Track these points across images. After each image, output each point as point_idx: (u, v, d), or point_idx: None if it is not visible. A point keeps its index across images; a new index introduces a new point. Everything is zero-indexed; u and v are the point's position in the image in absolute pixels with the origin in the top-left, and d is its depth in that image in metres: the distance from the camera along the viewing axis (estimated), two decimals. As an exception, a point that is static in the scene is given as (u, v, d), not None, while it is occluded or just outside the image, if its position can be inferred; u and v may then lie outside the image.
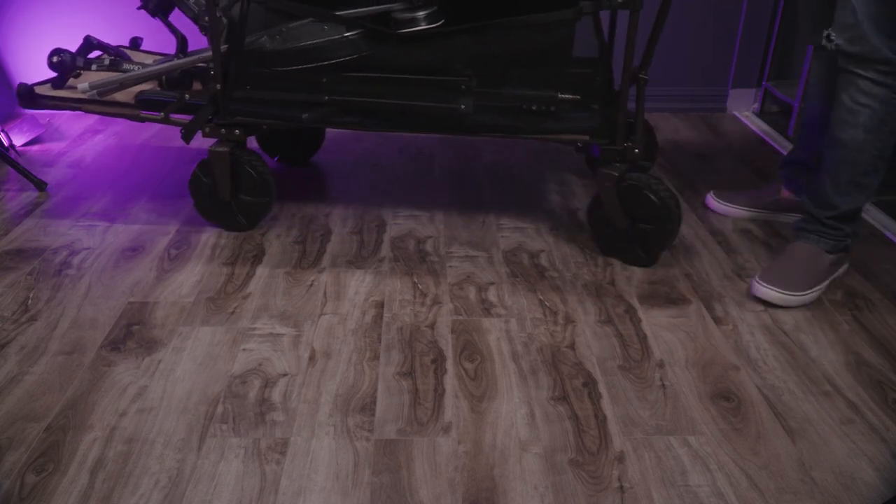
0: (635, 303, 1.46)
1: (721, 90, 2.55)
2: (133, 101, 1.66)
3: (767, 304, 1.44)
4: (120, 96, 1.67)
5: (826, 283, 1.47)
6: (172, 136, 2.31)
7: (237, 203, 1.68)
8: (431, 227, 1.75)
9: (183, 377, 1.25)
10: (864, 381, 1.25)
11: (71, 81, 1.74)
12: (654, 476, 1.06)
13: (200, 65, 1.67)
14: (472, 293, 1.49)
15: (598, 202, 1.57)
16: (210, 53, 1.56)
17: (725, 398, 1.21)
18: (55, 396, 1.20)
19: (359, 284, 1.52)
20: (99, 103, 1.66)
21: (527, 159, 2.16)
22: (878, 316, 1.43)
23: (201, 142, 2.21)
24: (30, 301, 1.46)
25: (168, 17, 1.70)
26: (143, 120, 1.67)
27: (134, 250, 1.64)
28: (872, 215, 1.81)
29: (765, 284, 1.43)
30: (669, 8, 1.48)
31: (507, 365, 1.28)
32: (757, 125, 2.45)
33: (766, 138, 2.33)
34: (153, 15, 1.68)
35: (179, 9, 1.65)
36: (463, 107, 1.49)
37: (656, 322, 1.40)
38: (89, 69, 1.74)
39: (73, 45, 2.21)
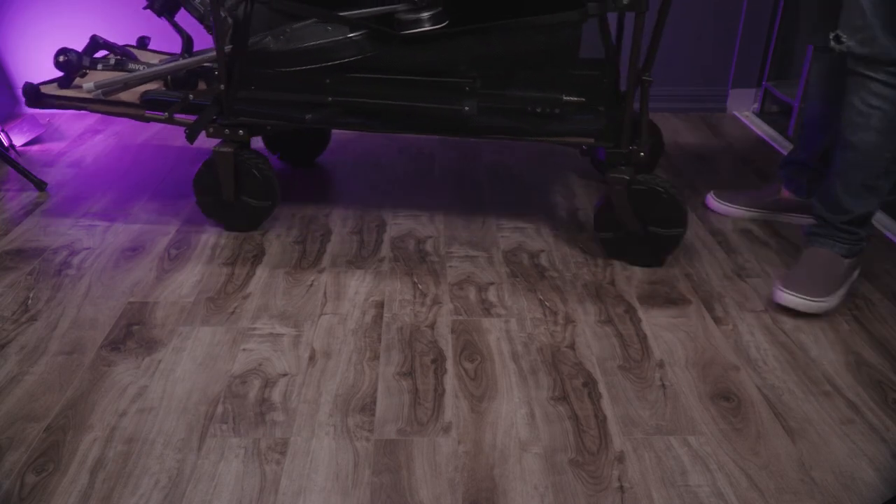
0: (635, 303, 1.46)
1: (721, 90, 2.55)
2: (138, 101, 1.66)
3: (791, 311, 1.41)
4: (125, 96, 1.67)
5: (846, 287, 1.45)
6: (172, 136, 2.31)
7: (240, 204, 1.67)
8: (431, 227, 1.75)
9: (183, 377, 1.25)
10: (864, 381, 1.25)
11: (77, 81, 1.74)
12: (654, 476, 1.06)
13: (206, 65, 1.67)
14: (472, 293, 1.49)
15: (607, 205, 1.55)
16: (215, 53, 1.56)
17: (725, 398, 1.21)
18: (55, 396, 1.20)
19: (359, 284, 1.52)
20: (104, 103, 1.66)
21: (527, 159, 2.16)
22: (878, 316, 1.43)
23: (203, 141, 2.21)
24: (30, 301, 1.46)
25: (174, 16, 1.70)
26: (147, 120, 1.67)
27: (134, 250, 1.64)
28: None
29: (788, 291, 1.40)
30: (669, 9, 1.48)
31: (507, 365, 1.28)
32: (757, 125, 2.45)
33: (766, 138, 2.33)
34: (159, 15, 1.68)
35: (185, 9, 1.65)
36: (467, 108, 1.48)
37: (656, 322, 1.40)
38: (95, 69, 1.74)
39: (72, 45, 2.21)
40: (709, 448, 1.11)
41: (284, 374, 1.26)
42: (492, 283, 1.52)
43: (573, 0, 1.40)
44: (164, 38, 2.28)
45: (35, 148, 2.19)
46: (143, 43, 1.92)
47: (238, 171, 1.63)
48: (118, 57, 1.77)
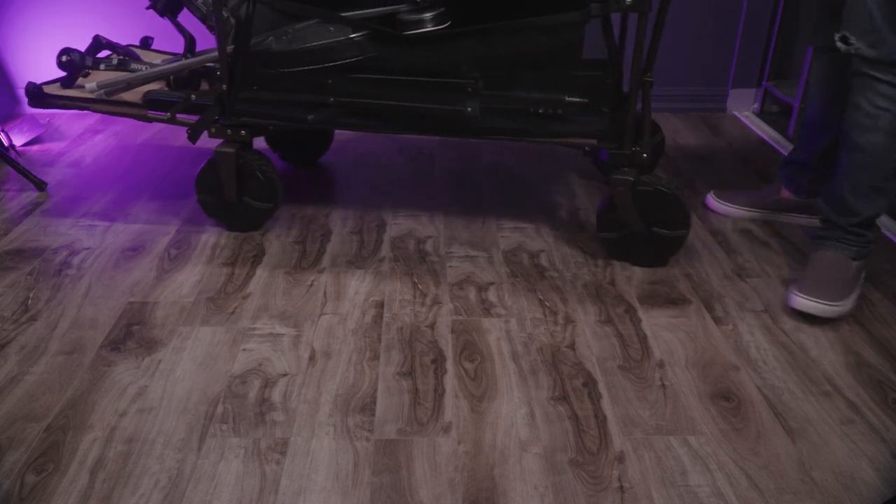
0: (635, 303, 1.46)
1: (721, 90, 2.55)
2: (140, 101, 1.66)
3: (808, 316, 1.40)
4: (127, 96, 1.67)
5: (858, 289, 1.44)
6: (172, 136, 2.31)
7: (242, 205, 1.67)
8: (431, 227, 1.75)
9: (183, 377, 1.25)
10: (864, 381, 1.25)
11: (79, 81, 1.74)
12: (654, 476, 1.06)
13: (209, 65, 1.67)
14: (472, 293, 1.49)
15: (611, 206, 1.54)
16: (217, 54, 1.56)
17: (725, 398, 1.21)
18: (55, 396, 1.20)
19: (359, 284, 1.52)
20: (107, 103, 1.66)
21: (527, 159, 2.16)
22: (878, 316, 1.43)
23: (204, 142, 2.21)
24: (30, 301, 1.46)
25: (177, 17, 1.70)
26: (150, 120, 1.67)
27: (134, 250, 1.64)
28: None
29: (804, 296, 1.39)
30: (668, 9, 1.48)
31: (507, 365, 1.28)
32: (757, 125, 2.45)
33: (766, 138, 2.33)
34: (161, 15, 1.68)
35: (188, 9, 1.65)
36: (469, 109, 1.48)
37: (656, 322, 1.40)
38: (98, 69, 1.74)
39: (72, 45, 2.21)
40: (709, 448, 1.11)
41: (284, 374, 1.26)
42: (492, 283, 1.52)
43: (576, 1, 1.40)
44: (167, 39, 2.28)
45: (35, 148, 2.19)
46: (146, 43, 1.92)
47: (240, 171, 1.63)
48: (121, 57, 1.77)
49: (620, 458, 1.09)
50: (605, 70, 1.62)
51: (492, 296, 1.48)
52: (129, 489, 1.03)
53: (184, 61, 1.66)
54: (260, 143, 2.12)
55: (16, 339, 1.35)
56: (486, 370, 1.27)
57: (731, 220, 1.79)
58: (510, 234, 1.72)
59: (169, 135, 2.32)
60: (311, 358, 1.30)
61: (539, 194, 1.93)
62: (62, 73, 2.33)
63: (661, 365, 1.29)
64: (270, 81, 1.55)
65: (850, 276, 1.42)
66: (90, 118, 2.44)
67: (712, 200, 1.84)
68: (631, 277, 1.55)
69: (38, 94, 1.68)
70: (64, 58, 1.67)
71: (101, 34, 1.78)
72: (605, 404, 1.19)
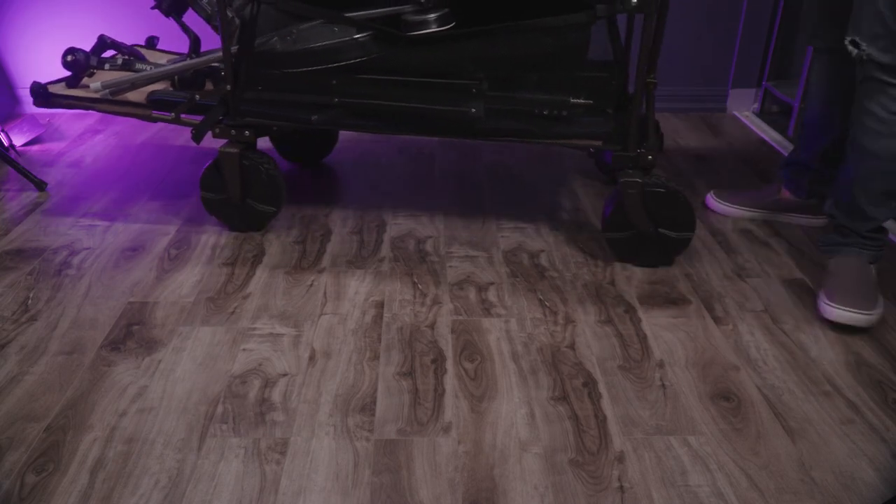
0: (635, 303, 1.46)
1: (721, 90, 2.55)
2: (145, 101, 1.66)
3: (845, 327, 1.38)
4: (132, 96, 1.68)
5: (880, 293, 1.42)
6: (172, 136, 2.31)
7: (245, 206, 1.67)
8: (431, 227, 1.75)
9: (183, 377, 1.25)
10: (864, 381, 1.25)
11: (84, 80, 1.74)
12: (654, 476, 1.06)
13: (213, 65, 1.67)
14: (472, 293, 1.49)
15: (619, 208, 1.53)
16: (222, 54, 1.56)
17: (725, 398, 1.21)
18: (55, 396, 1.20)
19: (359, 284, 1.52)
20: (111, 103, 1.67)
21: (527, 159, 2.16)
22: (878, 316, 1.43)
23: (205, 142, 2.21)
24: (30, 301, 1.46)
25: (182, 17, 1.70)
26: (154, 120, 1.67)
27: (134, 250, 1.64)
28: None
29: (839, 307, 1.36)
30: (667, 10, 1.48)
31: (507, 365, 1.28)
32: (757, 125, 2.45)
33: (766, 138, 2.34)
34: (167, 15, 1.68)
35: (193, 9, 1.65)
36: (473, 110, 1.47)
37: (656, 322, 1.40)
38: (103, 68, 1.75)
39: (72, 45, 2.21)
40: (709, 448, 1.11)
41: (284, 374, 1.26)
42: (492, 283, 1.52)
43: (581, 2, 1.39)
44: (172, 39, 2.29)
45: (35, 148, 2.19)
46: (151, 43, 1.92)
47: (244, 172, 1.63)
48: (126, 57, 1.77)
49: (620, 458, 1.09)
50: (610, 71, 1.62)
51: (492, 296, 1.48)
52: (129, 489, 1.03)
53: (188, 61, 1.66)
54: (265, 144, 2.11)
55: (16, 339, 1.35)
56: (486, 370, 1.27)
57: (731, 220, 1.79)
58: (510, 234, 1.72)
59: (169, 135, 2.32)
60: (311, 358, 1.30)
61: (539, 194, 1.93)
62: (65, 73, 2.34)
63: (661, 365, 1.29)
64: (275, 82, 1.55)
65: (873, 278, 1.41)
66: (90, 118, 2.44)
67: (712, 200, 1.84)
68: (631, 277, 1.55)
69: (43, 94, 1.68)
70: (69, 57, 1.67)
71: (103, 34, 1.77)
72: (605, 404, 1.19)
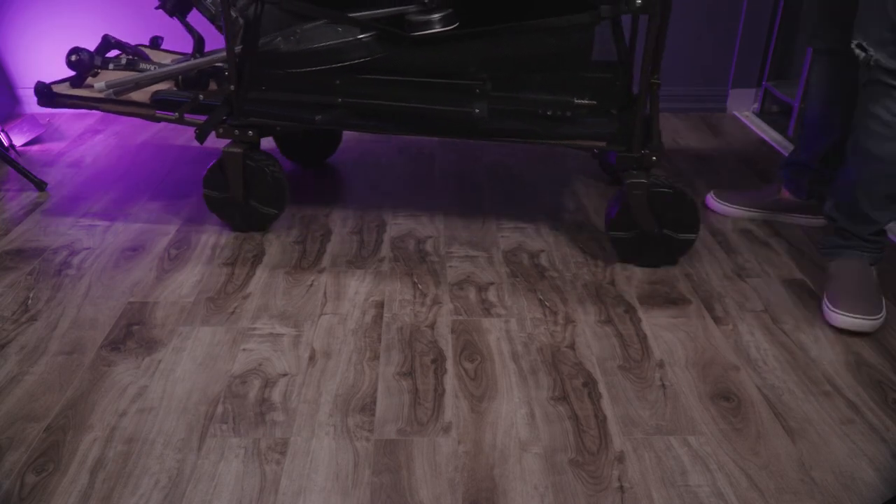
0: (635, 303, 1.46)
1: (721, 90, 2.55)
2: (149, 101, 1.66)
3: (851, 332, 1.37)
4: (136, 96, 1.68)
5: (882, 295, 1.41)
6: (172, 136, 2.31)
7: (247, 206, 1.67)
8: (431, 227, 1.75)
9: (183, 377, 1.25)
10: (864, 381, 1.25)
11: (88, 80, 1.75)
12: (654, 476, 1.06)
13: (217, 65, 1.67)
14: (472, 293, 1.49)
15: (625, 209, 1.53)
16: (226, 54, 1.56)
17: (725, 398, 1.21)
18: (55, 396, 1.20)
19: (359, 284, 1.52)
20: (115, 102, 1.67)
21: (527, 159, 2.16)
22: (878, 316, 1.43)
23: (205, 142, 2.21)
24: (30, 301, 1.46)
25: (186, 17, 1.70)
26: (158, 120, 1.67)
27: (134, 250, 1.64)
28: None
29: (844, 313, 1.35)
30: (670, 10, 1.48)
31: (507, 365, 1.28)
32: (757, 125, 2.45)
33: (766, 138, 2.34)
34: (171, 15, 1.68)
35: (197, 9, 1.65)
36: (477, 111, 1.47)
37: (656, 322, 1.40)
38: (107, 68, 1.75)
39: (72, 45, 2.21)
40: (709, 448, 1.11)
41: (284, 374, 1.26)
42: (492, 283, 1.52)
43: (585, 2, 1.39)
44: (176, 39, 2.29)
45: (35, 148, 2.19)
46: (155, 43, 1.92)
47: (249, 173, 1.63)
48: (130, 56, 1.77)
49: (620, 458, 1.09)
50: (614, 72, 1.62)
51: (492, 296, 1.48)
52: (129, 489, 1.03)
53: (192, 61, 1.66)
54: (269, 144, 2.11)
55: (16, 339, 1.35)
56: (486, 370, 1.27)
57: (731, 220, 1.79)
58: (510, 234, 1.72)
59: (169, 135, 2.32)
60: (311, 358, 1.30)
61: (539, 194, 1.93)
62: (68, 73, 2.34)
63: (661, 365, 1.29)
64: (278, 82, 1.55)
65: (874, 281, 1.41)
66: (90, 118, 2.44)
67: (712, 200, 1.84)
68: (631, 277, 1.55)
69: (47, 94, 1.68)
70: (73, 57, 1.67)
71: (108, 34, 1.78)
72: (605, 404, 1.19)
